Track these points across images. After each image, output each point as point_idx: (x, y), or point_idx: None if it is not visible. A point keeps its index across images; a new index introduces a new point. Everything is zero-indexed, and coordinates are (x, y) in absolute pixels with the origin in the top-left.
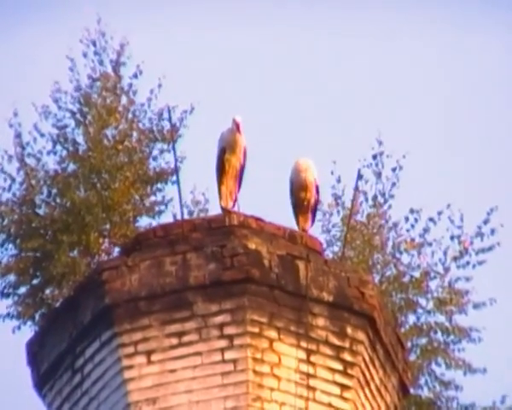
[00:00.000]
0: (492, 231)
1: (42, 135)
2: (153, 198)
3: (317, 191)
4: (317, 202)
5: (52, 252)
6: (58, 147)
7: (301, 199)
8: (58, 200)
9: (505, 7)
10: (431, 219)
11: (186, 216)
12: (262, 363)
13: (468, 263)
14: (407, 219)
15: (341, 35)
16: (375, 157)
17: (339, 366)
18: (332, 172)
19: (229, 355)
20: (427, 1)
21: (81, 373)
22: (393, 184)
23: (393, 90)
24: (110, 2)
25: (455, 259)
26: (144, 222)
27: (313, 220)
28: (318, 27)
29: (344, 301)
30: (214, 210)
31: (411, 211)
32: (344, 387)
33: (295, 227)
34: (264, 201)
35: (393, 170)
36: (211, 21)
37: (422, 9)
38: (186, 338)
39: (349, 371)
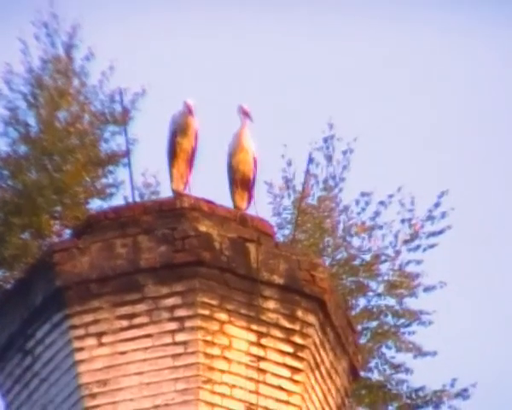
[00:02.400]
0: (443, 215)
1: None
2: (104, 181)
3: (255, 166)
4: (255, 178)
5: (3, 234)
6: (9, 129)
7: (240, 173)
8: (9, 182)
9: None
10: (382, 203)
11: (137, 199)
12: (213, 345)
13: (418, 246)
14: (358, 202)
15: (293, 18)
16: (325, 140)
17: (289, 349)
18: (283, 156)
19: (179, 337)
20: None
21: (32, 355)
22: (344, 168)
23: (344, 73)
24: None
25: (405, 242)
26: (95, 204)
27: (250, 199)
28: (270, 11)
29: (295, 284)
30: (165, 193)
31: (362, 194)
32: (294, 370)
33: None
34: (216, 184)
35: (344, 153)
36: (163, 3)
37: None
38: (137, 320)
39: (299, 353)
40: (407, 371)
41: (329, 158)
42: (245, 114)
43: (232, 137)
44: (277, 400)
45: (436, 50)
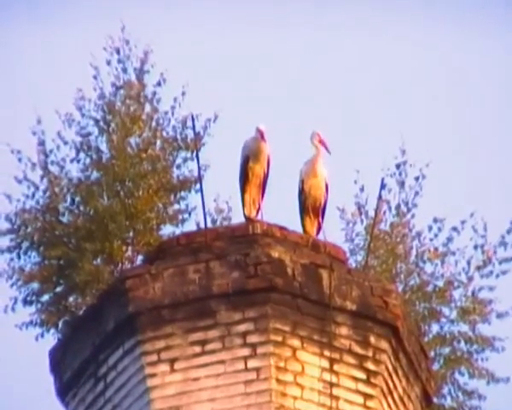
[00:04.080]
0: None
1: (65, 143)
2: (176, 206)
3: (327, 193)
4: (326, 204)
5: (75, 260)
6: (81, 155)
7: (312, 198)
8: (81, 208)
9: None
10: (454, 229)
11: (209, 224)
12: (285, 372)
13: (491, 272)
14: (430, 228)
15: (366, 42)
16: (398, 166)
17: (362, 375)
18: (355, 182)
19: (252, 364)
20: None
21: (104, 381)
22: (417, 193)
23: (417, 99)
24: (134, 10)
25: (478, 268)
26: (167, 230)
27: (320, 225)
28: (338, 32)
29: (367, 311)
30: (237, 219)
31: (435, 220)
32: (367, 396)
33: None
34: (287, 209)
35: (416, 179)
36: (235, 29)
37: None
38: (209, 346)
39: (372, 380)
40: (480, 397)
41: (402, 184)
42: (321, 142)
43: (305, 163)
44: None
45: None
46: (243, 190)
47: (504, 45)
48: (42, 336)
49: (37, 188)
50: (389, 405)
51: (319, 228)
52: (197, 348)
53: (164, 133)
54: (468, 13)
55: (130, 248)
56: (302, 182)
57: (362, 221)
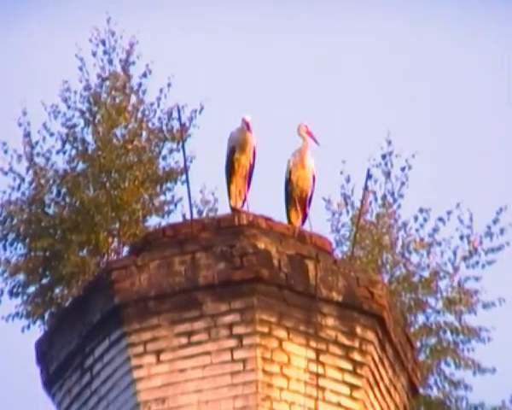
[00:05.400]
0: (502, 231)
1: (51, 134)
2: (162, 198)
3: (313, 184)
4: (312, 196)
5: (61, 251)
6: (67, 146)
7: (298, 189)
8: (67, 199)
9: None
10: (440, 219)
11: (195, 216)
12: (271, 363)
13: (477, 263)
14: (416, 218)
15: (351, 34)
16: (384, 157)
17: (348, 366)
18: (341, 172)
19: (238, 355)
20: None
21: (90, 373)
22: (403, 184)
23: (402, 90)
24: (120, 2)
25: (464, 258)
26: (153, 222)
27: (305, 217)
28: (327, 27)
29: (353, 301)
30: (224, 210)
31: (420, 210)
32: (353, 387)
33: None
34: (273, 200)
35: (402, 169)
36: (220, 21)
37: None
38: (195, 338)
39: (358, 370)
40: (466, 387)
41: (388, 174)
42: (309, 134)
43: (293, 154)
44: None
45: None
46: (229, 181)
47: (487, 39)
48: (28, 327)
49: (22, 179)
50: (375, 395)
51: (304, 219)
52: (183, 340)
53: (150, 124)
54: (450, 7)
55: (116, 239)
56: (289, 173)
57: (348, 212)
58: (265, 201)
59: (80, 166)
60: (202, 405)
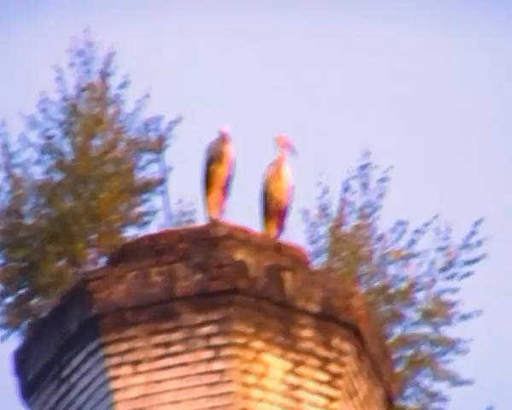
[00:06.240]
0: (479, 243)
1: (29, 145)
2: (140, 208)
3: (290, 196)
4: (288, 207)
5: (39, 261)
6: (45, 157)
7: (274, 201)
8: (45, 209)
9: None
10: (417, 231)
11: (173, 227)
12: (249, 374)
13: (454, 274)
14: (393, 230)
15: (328, 45)
16: (361, 168)
17: (325, 377)
18: (319, 183)
19: (215, 366)
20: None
21: (67, 383)
22: (380, 196)
23: (380, 102)
24: (98, 12)
25: (441, 270)
26: (131, 232)
27: (282, 228)
28: (303, 38)
29: (330, 312)
30: (201, 221)
31: (398, 222)
32: (330, 398)
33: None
34: (251, 211)
35: (380, 181)
36: (199, 32)
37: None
38: (172, 349)
39: (335, 382)
40: (443, 399)
41: (365, 186)
42: (287, 145)
43: (269, 165)
44: None
45: (482, 77)
46: (206, 192)
47: (467, 43)
48: (5, 338)
49: (0, 190)
50: (353, 407)
51: (281, 231)
52: (160, 351)
53: (127, 135)
54: (432, 11)
55: (93, 249)
56: (266, 184)
57: (325, 223)
58: (244, 211)
59: (58, 176)
60: None
